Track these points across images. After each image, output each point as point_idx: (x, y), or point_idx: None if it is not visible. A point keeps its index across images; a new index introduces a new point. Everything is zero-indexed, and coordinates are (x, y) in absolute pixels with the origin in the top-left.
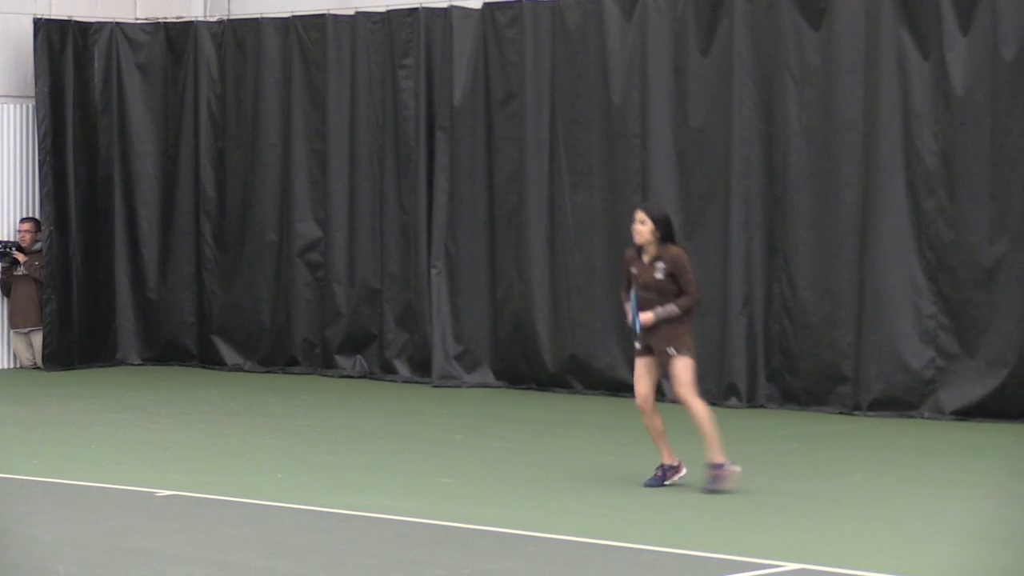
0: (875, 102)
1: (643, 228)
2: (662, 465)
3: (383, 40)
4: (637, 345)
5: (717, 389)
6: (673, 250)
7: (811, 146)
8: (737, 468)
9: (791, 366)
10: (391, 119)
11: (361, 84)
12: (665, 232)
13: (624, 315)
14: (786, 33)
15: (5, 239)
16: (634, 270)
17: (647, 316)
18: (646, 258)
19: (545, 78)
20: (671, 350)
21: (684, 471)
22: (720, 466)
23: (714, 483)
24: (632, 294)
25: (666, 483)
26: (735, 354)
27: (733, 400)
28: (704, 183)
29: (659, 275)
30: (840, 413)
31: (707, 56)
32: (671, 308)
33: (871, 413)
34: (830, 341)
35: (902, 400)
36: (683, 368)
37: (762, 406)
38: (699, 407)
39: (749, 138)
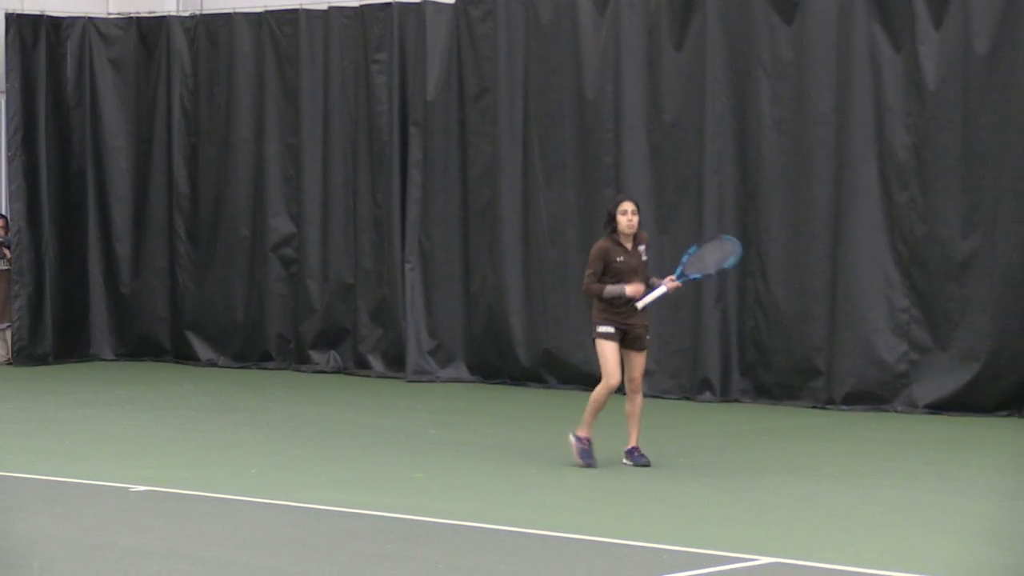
0: (848, 96)
1: (636, 219)
2: (635, 448)
3: (356, 35)
4: (611, 329)
5: (691, 383)
6: (643, 233)
7: (784, 140)
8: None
9: (764, 360)
10: (364, 114)
11: (334, 79)
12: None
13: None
14: (759, 28)
15: None
16: (620, 259)
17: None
18: (628, 244)
19: (518, 73)
20: (648, 338)
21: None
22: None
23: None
24: (655, 282)
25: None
26: (709, 349)
27: (707, 394)
28: (677, 177)
29: (644, 257)
30: (813, 407)
31: (680, 51)
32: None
33: (844, 407)
34: (803, 335)
35: (875, 394)
36: (645, 357)
37: (736, 400)
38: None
39: (722, 132)
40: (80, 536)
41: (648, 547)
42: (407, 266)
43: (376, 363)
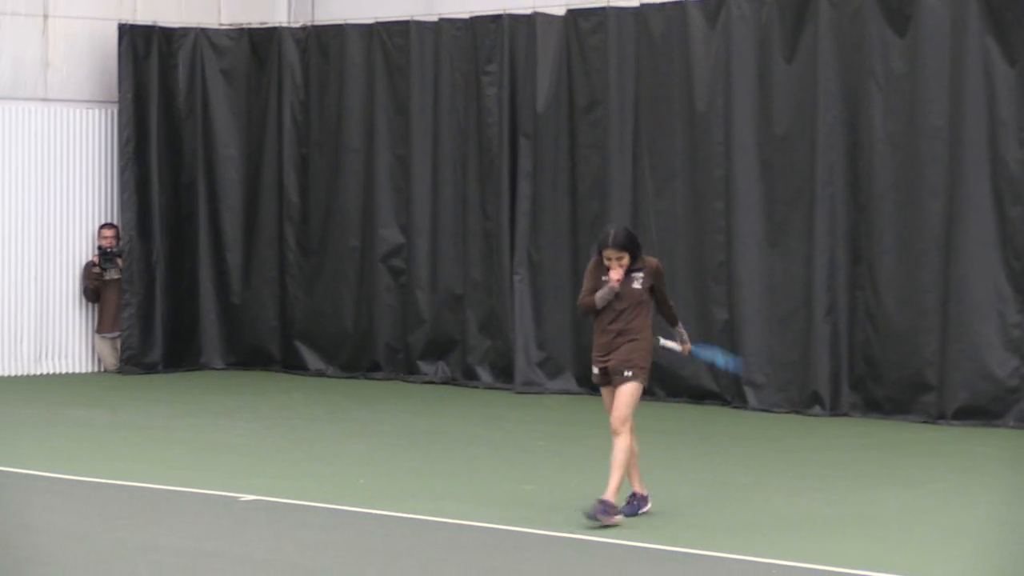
0: (960, 110)
1: (623, 262)
2: (635, 494)
3: (467, 46)
4: (596, 371)
5: (800, 397)
6: (652, 260)
7: (896, 154)
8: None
9: (875, 374)
10: (474, 125)
11: (444, 90)
12: (636, 251)
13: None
14: (871, 40)
15: (102, 245)
16: (606, 279)
17: (688, 347)
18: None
19: (629, 85)
20: (627, 372)
21: (650, 504)
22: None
23: (604, 516)
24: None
25: (639, 512)
26: (819, 362)
27: (816, 408)
28: (788, 190)
29: (636, 284)
30: (924, 422)
31: (791, 63)
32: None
33: (955, 422)
34: (914, 349)
35: (987, 409)
36: (630, 393)
37: (845, 414)
38: (628, 441)
39: (833, 145)
40: (188, 545)
41: (758, 561)
42: (516, 277)
43: (484, 374)
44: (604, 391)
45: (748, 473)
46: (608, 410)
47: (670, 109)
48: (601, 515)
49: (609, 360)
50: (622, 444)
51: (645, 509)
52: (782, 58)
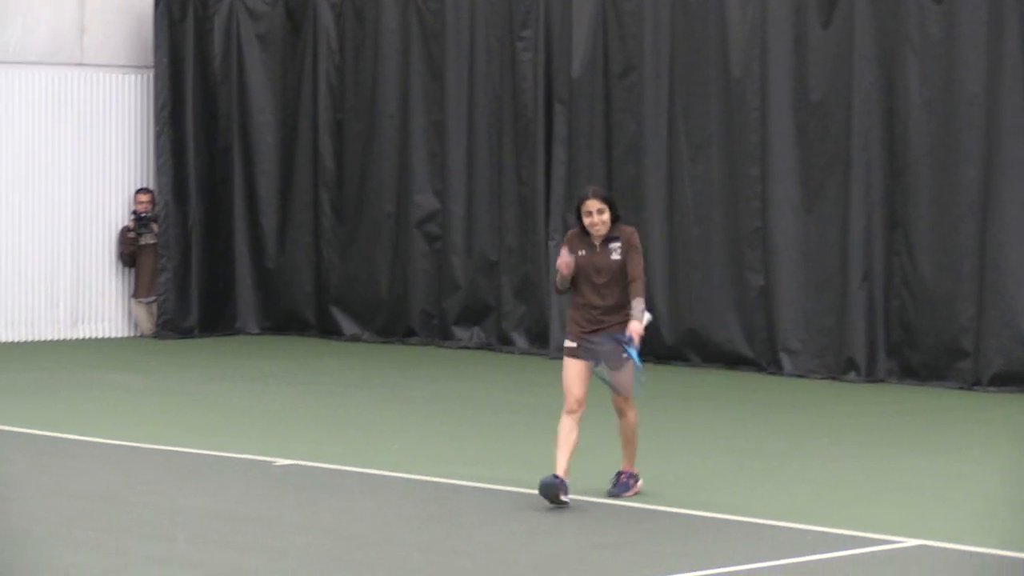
0: (997, 76)
1: (604, 217)
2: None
3: (502, 12)
4: (573, 344)
5: (836, 363)
6: (627, 229)
7: (932, 119)
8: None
9: (911, 340)
10: (509, 91)
11: (480, 56)
12: (616, 212)
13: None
14: (907, 5)
15: (137, 210)
16: (581, 252)
17: (636, 328)
18: (596, 241)
19: (664, 50)
20: (624, 354)
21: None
22: (637, 477)
23: (627, 491)
24: (628, 343)
25: (563, 498)
26: (854, 328)
27: (852, 375)
28: (824, 156)
29: (615, 256)
30: (960, 388)
31: (828, 28)
32: (645, 313)
33: (992, 388)
34: (950, 315)
35: (1023, 375)
36: (628, 372)
37: (881, 380)
38: (635, 415)
39: (870, 111)
40: (224, 509)
41: (793, 527)
42: (551, 243)
43: (519, 340)
44: (572, 364)
45: (784, 439)
46: (569, 386)
47: (705, 74)
48: (620, 490)
49: (595, 340)
50: (633, 419)
51: (566, 498)
52: (818, 23)
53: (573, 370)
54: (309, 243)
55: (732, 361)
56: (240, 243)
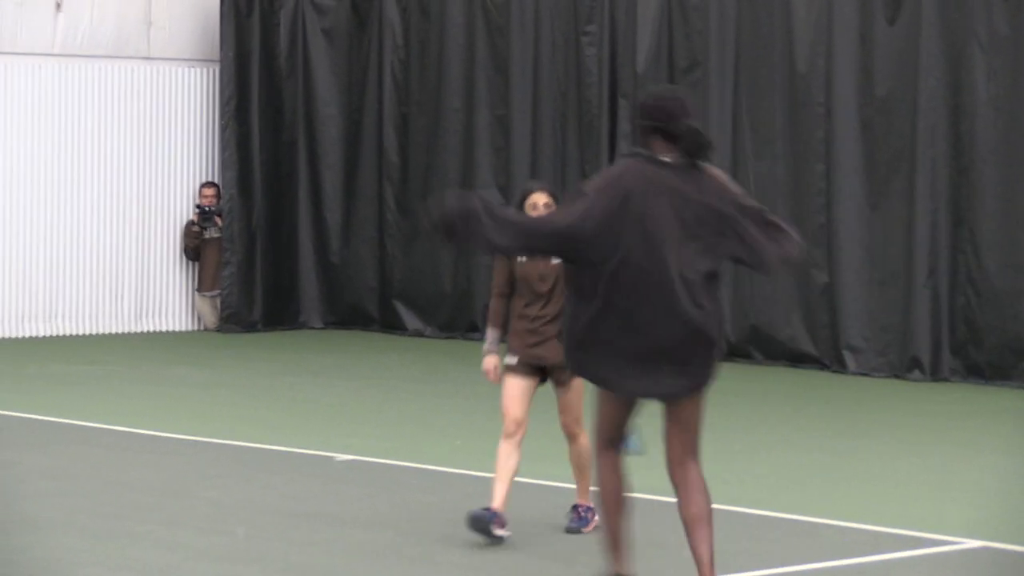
0: None
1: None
2: (494, 510)
3: (567, 6)
4: (513, 361)
5: (900, 361)
6: None
7: (999, 117)
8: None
9: (976, 339)
10: (574, 86)
11: (544, 51)
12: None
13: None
14: (974, 2)
15: (201, 204)
16: (521, 259)
17: None
18: None
19: (729, 46)
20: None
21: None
22: (594, 510)
23: (587, 525)
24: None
25: (586, 529)
26: (919, 326)
27: (916, 373)
28: (889, 153)
29: (557, 259)
30: None
31: (894, 25)
32: None
33: None
34: (1016, 314)
35: None
36: (579, 391)
37: (946, 379)
38: (587, 439)
39: (935, 108)
40: (284, 504)
41: (854, 527)
42: None
43: None
44: (512, 383)
45: (846, 438)
46: (508, 406)
47: (770, 70)
48: (580, 524)
49: (540, 353)
50: (585, 443)
51: (501, 532)
52: (884, 19)
53: (514, 389)
54: (373, 237)
55: (795, 358)
56: (304, 237)
